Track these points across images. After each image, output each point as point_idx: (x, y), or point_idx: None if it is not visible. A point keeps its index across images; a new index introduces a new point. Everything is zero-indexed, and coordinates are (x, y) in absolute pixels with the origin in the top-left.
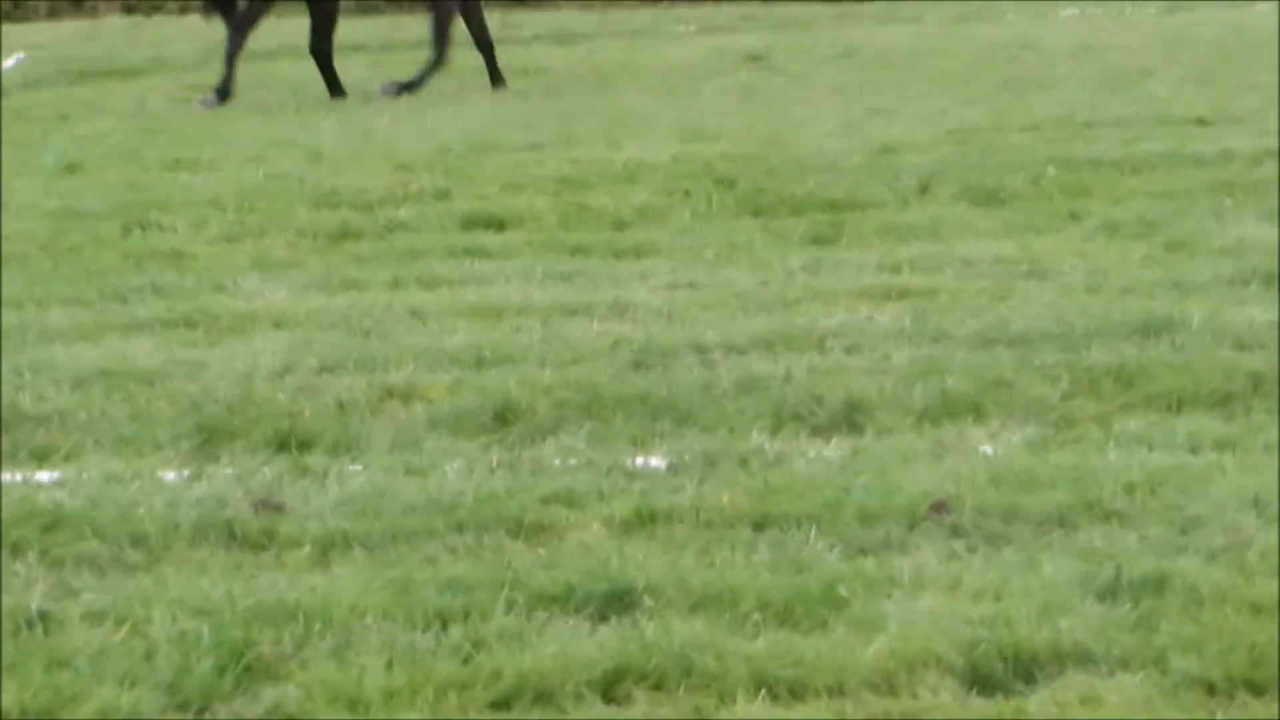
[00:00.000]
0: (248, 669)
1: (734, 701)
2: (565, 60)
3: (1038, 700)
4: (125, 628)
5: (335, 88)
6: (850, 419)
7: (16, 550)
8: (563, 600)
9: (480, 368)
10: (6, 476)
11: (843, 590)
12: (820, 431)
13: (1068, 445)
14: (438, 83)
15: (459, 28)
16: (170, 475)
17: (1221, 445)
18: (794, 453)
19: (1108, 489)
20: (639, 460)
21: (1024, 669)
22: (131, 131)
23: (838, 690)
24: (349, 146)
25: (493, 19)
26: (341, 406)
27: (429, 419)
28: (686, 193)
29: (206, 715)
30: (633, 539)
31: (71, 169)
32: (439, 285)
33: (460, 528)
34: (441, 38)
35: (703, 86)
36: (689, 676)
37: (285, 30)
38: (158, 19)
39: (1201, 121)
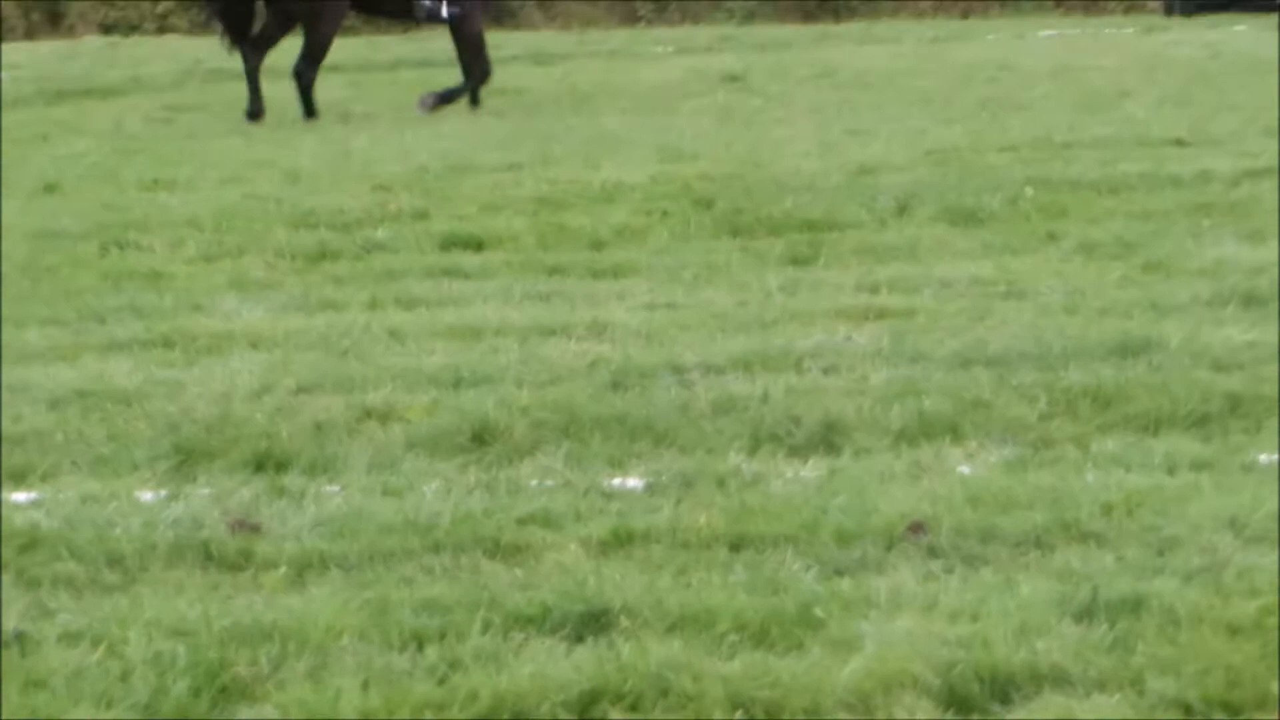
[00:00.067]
0: (224, 690)
1: None
2: (543, 81)
3: None
4: (101, 648)
5: (310, 110)
6: (828, 439)
7: None
8: (539, 621)
9: (458, 388)
10: None
11: (819, 611)
12: (797, 452)
13: (1045, 466)
14: (415, 103)
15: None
16: (147, 495)
17: (1199, 466)
18: (771, 473)
19: (1085, 510)
20: (616, 481)
21: (1001, 690)
22: (109, 152)
23: (814, 711)
24: (327, 167)
25: None
26: (319, 427)
27: (406, 439)
28: (664, 213)
29: None
30: (610, 559)
31: (49, 189)
32: (417, 306)
33: (437, 548)
34: (476, 53)
35: (681, 107)
36: (665, 697)
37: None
38: (135, 39)
39: (1179, 142)
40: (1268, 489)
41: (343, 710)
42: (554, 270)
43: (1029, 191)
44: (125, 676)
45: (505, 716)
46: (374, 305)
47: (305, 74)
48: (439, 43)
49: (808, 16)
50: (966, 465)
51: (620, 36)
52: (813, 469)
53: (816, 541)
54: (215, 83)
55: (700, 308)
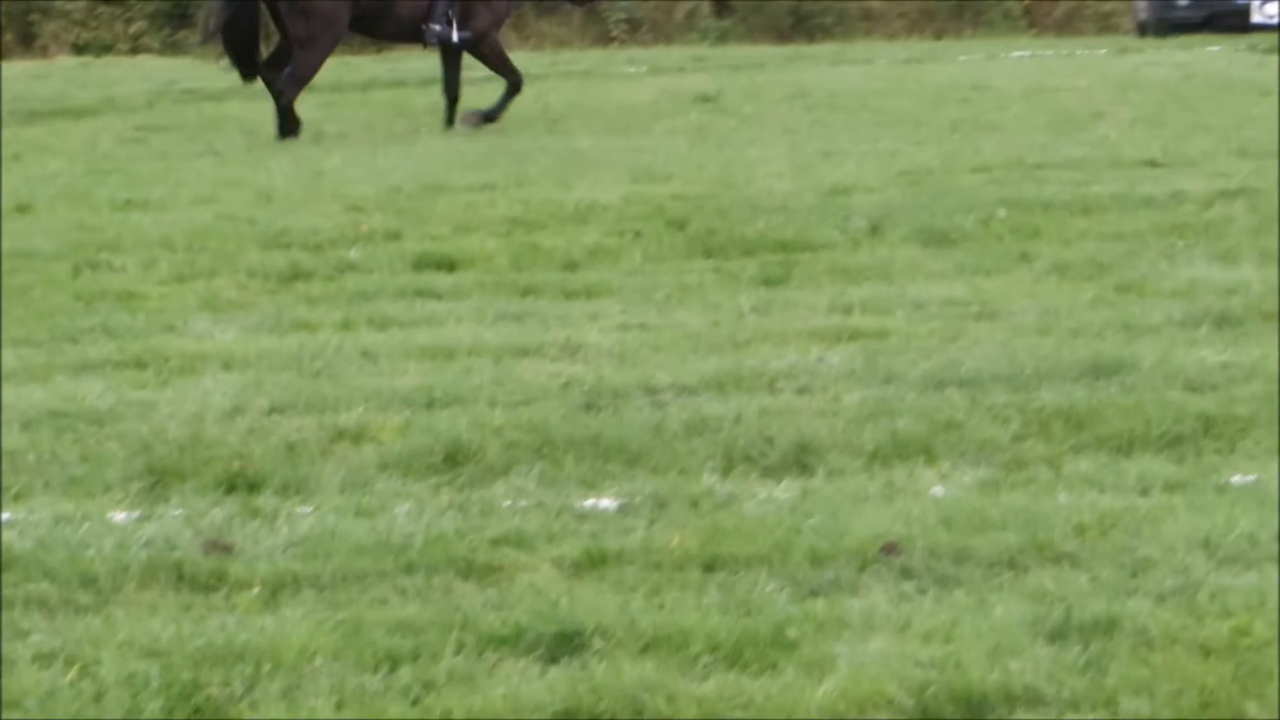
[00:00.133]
0: (197, 710)
1: None
2: (516, 101)
3: None
4: (75, 669)
5: (284, 130)
6: (801, 460)
7: None
8: (512, 642)
9: (431, 409)
10: None
11: (792, 632)
12: (771, 473)
13: (1018, 487)
14: (388, 123)
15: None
16: (120, 516)
17: (1172, 487)
18: (744, 494)
19: (1058, 531)
20: (589, 501)
21: (974, 711)
22: (82, 172)
23: None
24: (300, 187)
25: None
26: (291, 447)
27: (379, 460)
28: (637, 234)
29: None
30: (583, 580)
31: (22, 209)
32: (390, 326)
33: (410, 569)
34: (503, 65)
35: (654, 127)
36: (639, 718)
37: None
38: (108, 59)
39: (1152, 163)
40: (1241, 510)
41: None
42: (527, 291)
43: (1002, 212)
44: (99, 697)
45: None
46: (347, 326)
47: (287, 92)
48: (412, 63)
49: (781, 37)
50: (939, 486)
51: (593, 57)
52: (786, 490)
53: (790, 562)
54: (188, 103)
55: (673, 328)
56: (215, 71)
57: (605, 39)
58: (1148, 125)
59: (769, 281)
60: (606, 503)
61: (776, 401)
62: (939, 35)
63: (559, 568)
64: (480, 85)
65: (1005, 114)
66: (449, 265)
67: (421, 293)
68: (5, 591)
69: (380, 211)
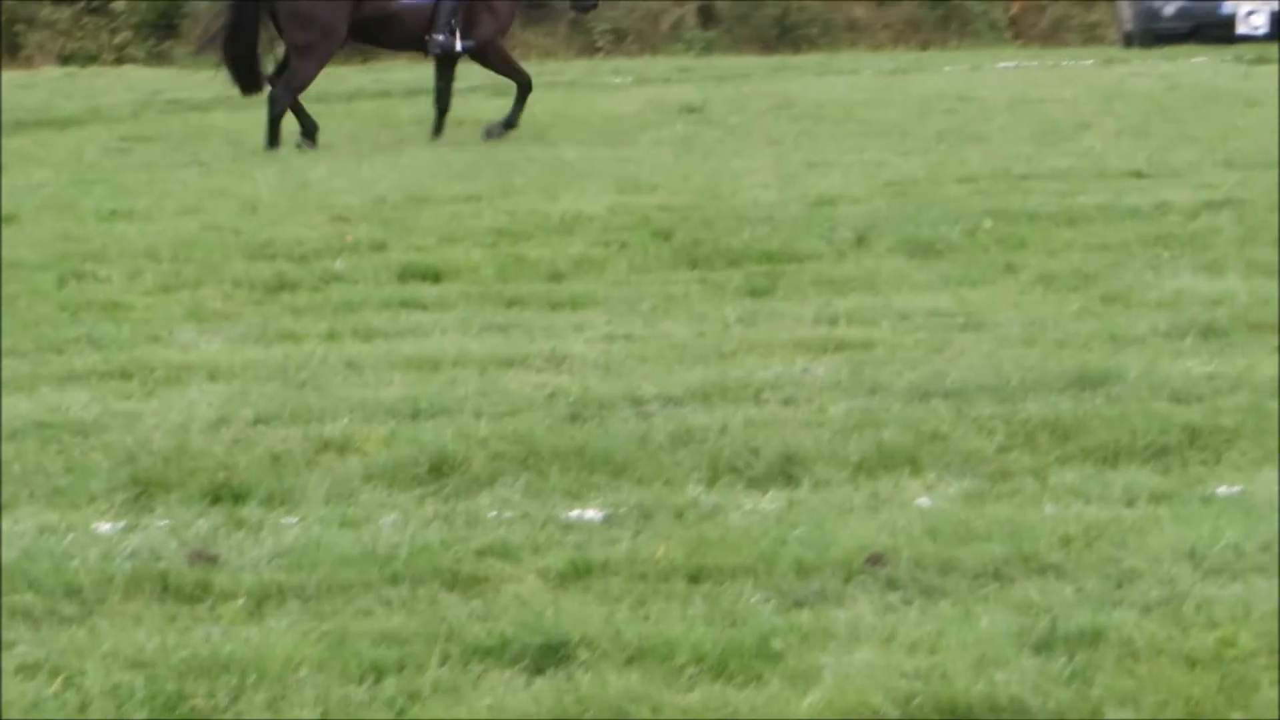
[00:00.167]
0: None
1: None
2: (502, 111)
3: None
4: (59, 680)
5: (274, 140)
6: (786, 471)
7: None
8: (498, 653)
9: (416, 419)
10: None
11: (778, 643)
12: (756, 484)
13: (1004, 498)
14: (374, 133)
15: (510, 57)
16: (105, 527)
17: (1157, 498)
18: (730, 505)
19: (1044, 542)
20: (574, 512)
21: None
22: (67, 182)
23: None
24: (285, 198)
25: (429, 69)
26: (277, 458)
27: (364, 471)
28: (623, 244)
29: None
30: (568, 591)
31: (7, 219)
32: (375, 337)
33: (395, 580)
34: (512, 69)
35: (639, 138)
36: None
37: (221, 82)
38: (93, 70)
39: (1138, 174)
40: (1226, 521)
41: None
42: (512, 301)
43: (987, 223)
44: (83, 708)
45: None
46: (332, 336)
47: (281, 100)
48: (398, 74)
49: (766, 48)
50: (925, 497)
51: (578, 67)
52: (771, 501)
53: (775, 573)
54: (173, 113)
55: (659, 339)
56: (201, 82)
57: (591, 49)
58: (1133, 136)
59: (754, 292)
60: (592, 513)
61: (762, 412)
62: (924, 46)
63: (544, 578)
64: (466, 96)
65: (991, 125)
66: (434, 276)
67: (407, 303)
68: None
69: (365, 222)
